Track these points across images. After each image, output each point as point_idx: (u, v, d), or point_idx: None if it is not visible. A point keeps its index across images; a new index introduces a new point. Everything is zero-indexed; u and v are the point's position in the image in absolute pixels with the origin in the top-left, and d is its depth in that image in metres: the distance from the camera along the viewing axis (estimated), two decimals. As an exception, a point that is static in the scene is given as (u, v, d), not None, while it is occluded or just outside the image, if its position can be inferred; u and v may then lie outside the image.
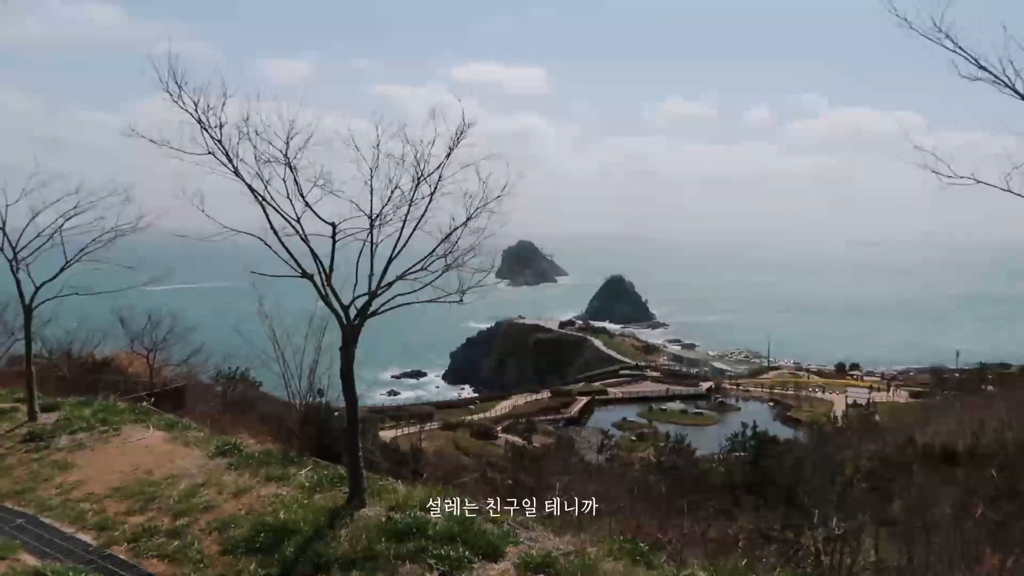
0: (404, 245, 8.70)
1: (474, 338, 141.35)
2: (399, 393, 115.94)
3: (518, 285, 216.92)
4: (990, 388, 64.25)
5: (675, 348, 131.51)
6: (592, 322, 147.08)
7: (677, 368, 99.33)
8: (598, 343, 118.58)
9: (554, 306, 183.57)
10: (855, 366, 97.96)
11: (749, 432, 30.77)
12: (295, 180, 8.33)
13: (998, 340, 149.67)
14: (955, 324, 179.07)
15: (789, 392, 74.70)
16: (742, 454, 30.69)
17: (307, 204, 8.43)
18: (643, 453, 56.01)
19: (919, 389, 68.67)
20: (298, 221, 8.45)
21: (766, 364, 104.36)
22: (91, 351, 25.99)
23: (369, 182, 8.44)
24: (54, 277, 11.93)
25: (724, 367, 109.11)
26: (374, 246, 8.57)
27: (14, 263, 11.85)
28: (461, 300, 8.93)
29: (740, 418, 69.11)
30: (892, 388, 73.12)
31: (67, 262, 12.02)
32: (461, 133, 8.33)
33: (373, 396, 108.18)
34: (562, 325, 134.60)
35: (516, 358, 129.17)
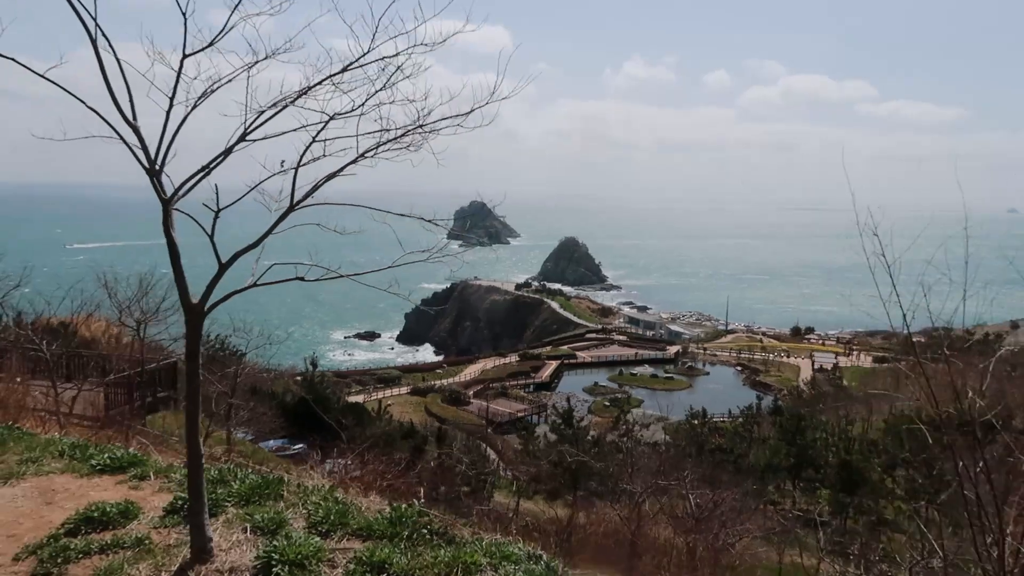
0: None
1: (429, 299, 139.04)
2: (352, 355, 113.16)
3: (471, 246, 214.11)
4: (948, 353, 65.79)
5: (630, 311, 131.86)
6: (547, 284, 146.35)
7: (640, 332, 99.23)
8: (555, 305, 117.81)
9: (507, 268, 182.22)
10: (810, 329, 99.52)
11: (766, 406, 29.80)
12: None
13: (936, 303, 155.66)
14: (900, 288, 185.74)
15: (756, 356, 75.18)
16: (754, 427, 29.75)
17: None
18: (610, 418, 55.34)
19: (882, 353, 69.84)
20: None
21: (723, 328, 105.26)
22: (47, 317, 22.91)
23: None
24: (263, 236, 4.46)
25: (679, 329, 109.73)
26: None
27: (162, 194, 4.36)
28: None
29: (710, 382, 69.37)
30: (855, 353, 74.37)
31: (294, 202, 4.48)
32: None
33: (328, 357, 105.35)
34: (518, 287, 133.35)
35: (471, 320, 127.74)
